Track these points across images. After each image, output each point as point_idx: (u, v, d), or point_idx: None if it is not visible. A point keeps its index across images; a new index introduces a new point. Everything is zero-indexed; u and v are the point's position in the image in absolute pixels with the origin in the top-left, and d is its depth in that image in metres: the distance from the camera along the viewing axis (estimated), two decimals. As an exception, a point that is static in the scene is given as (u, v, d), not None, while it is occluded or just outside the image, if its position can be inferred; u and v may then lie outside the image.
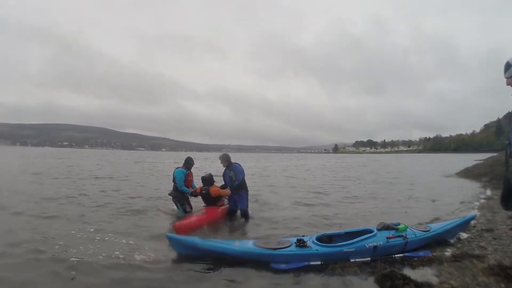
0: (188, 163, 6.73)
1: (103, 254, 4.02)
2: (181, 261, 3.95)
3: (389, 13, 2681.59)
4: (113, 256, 4.01)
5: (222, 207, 6.49)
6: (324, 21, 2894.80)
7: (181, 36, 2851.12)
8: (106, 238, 4.77)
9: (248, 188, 6.40)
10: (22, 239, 4.58)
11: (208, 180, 6.44)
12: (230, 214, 6.40)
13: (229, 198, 6.39)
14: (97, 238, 4.76)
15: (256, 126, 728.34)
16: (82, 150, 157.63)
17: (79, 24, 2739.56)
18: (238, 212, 6.36)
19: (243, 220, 6.22)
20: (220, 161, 6.37)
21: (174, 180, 6.47)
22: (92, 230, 5.16)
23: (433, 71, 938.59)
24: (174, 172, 6.50)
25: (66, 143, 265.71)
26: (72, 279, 3.34)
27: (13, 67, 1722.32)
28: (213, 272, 3.69)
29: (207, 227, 5.70)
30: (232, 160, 6.39)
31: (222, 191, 6.40)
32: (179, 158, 40.56)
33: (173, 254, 4.12)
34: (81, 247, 4.27)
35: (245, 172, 6.30)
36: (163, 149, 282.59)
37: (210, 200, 6.37)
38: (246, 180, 6.34)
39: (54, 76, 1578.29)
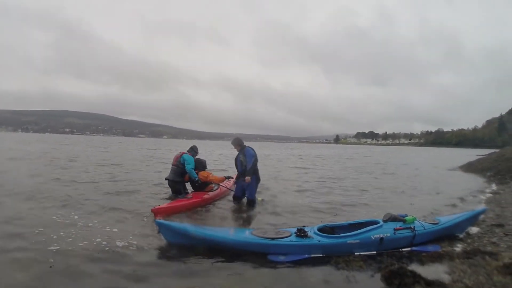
0: (194, 151, 6.66)
1: (84, 242, 3.75)
2: (169, 250, 3.67)
3: (395, 4, 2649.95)
4: (94, 243, 3.74)
5: (210, 193, 6.35)
6: (329, 11, 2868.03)
7: (184, 23, 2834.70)
8: (89, 224, 4.50)
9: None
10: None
11: (200, 164, 6.46)
12: (234, 200, 6.20)
13: (237, 183, 6.16)
14: (79, 224, 4.49)
15: (258, 115, 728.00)
16: (83, 136, 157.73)
17: (81, 8, 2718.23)
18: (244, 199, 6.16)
19: (246, 208, 5.95)
20: (232, 147, 6.23)
21: (178, 165, 6.23)
22: (76, 217, 4.86)
23: (438, 64, 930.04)
24: (182, 157, 6.24)
25: (67, 130, 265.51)
26: (50, 267, 3.08)
27: (15, 53, 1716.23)
28: (204, 263, 3.38)
29: (200, 213, 5.53)
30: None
31: (212, 177, 6.36)
32: (178, 145, 40.50)
33: (160, 243, 3.85)
34: (61, 233, 4.01)
35: (256, 155, 6.02)
36: (164, 136, 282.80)
37: (197, 184, 6.35)
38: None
39: (56, 63, 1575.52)
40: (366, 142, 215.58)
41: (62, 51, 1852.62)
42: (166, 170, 7.25)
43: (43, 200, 5.96)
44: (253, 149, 6.07)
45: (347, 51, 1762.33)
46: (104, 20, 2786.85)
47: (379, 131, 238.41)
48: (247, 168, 5.83)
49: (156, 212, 4.93)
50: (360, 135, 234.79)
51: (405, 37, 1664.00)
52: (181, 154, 6.34)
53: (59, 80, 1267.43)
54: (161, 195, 6.75)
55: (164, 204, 5.52)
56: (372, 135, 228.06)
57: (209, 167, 6.99)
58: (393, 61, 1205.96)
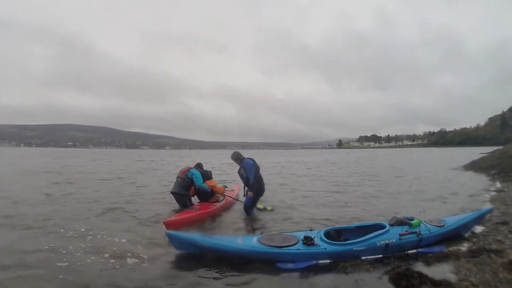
0: (199, 167, 6.81)
1: (94, 255, 3.82)
2: (178, 260, 3.75)
3: (394, 7, 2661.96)
4: (104, 256, 3.80)
5: (217, 203, 6.45)
6: (329, 17, 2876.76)
7: (185, 34, 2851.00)
8: (98, 237, 4.57)
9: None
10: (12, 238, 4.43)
11: (206, 175, 6.54)
12: (245, 211, 6.18)
13: (246, 195, 6.15)
14: (88, 237, 4.54)
15: (260, 123, 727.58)
16: (86, 149, 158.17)
17: (82, 23, 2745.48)
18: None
19: (253, 217, 6.00)
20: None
21: (184, 178, 6.31)
22: (83, 229, 4.92)
23: (438, 64, 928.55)
24: (190, 172, 6.35)
25: (70, 143, 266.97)
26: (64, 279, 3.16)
27: (17, 68, 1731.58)
28: (214, 273, 3.44)
29: (209, 223, 5.59)
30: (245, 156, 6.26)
31: (216, 188, 6.52)
32: (182, 156, 40.45)
33: (169, 253, 3.92)
34: (70, 247, 4.07)
35: (257, 165, 6.06)
36: (167, 147, 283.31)
37: (204, 195, 6.46)
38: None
39: (58, 76, 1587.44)
40: (369, 145, 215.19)
41: (64, 64, 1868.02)
42: (170, 183, 7.30)
43: (49, 213, 6.04)
44: (252, 160, 6.14)
45: (348, 56, 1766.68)
46: (105, 33, 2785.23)
47: (382, 134, 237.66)
48: (250, 181, 5.92)
49: (167, 224, 4.99)
50: (363, 139, 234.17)
51: (405, 39, 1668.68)
52: (188, 169, 6.44)
53: (61, 93, 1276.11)
54: (167, 208, 6.79)
55: (174, 216, 5.56)
56: (374, 138, 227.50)
57: (213, 177, 7.06)
58: (394, 64, 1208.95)
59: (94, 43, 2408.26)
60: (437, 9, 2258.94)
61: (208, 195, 6.48)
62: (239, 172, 6.17)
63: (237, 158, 6.23)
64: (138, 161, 29.84)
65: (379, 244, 3.73)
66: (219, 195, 6.66)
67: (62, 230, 4.83)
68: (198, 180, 6.22)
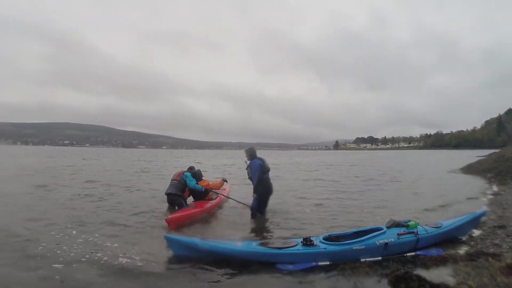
0: (192, 169, 7.12)
1: (86, 257, 3.79)
2: (177, 263, 3.71)
3: (389, 7, 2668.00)
4: (98, 258, 3.77)
5: (212, 201, 6.84)
6: (322, 16, 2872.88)
7: (179, 33, 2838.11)
8: (90, 239, 4.50)
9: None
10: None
11: (196, 175, 6.84)
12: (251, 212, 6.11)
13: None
14: (80, 240, 4.47)
15: (256, 123, 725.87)
16: (83, 148, 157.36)
17: (76, 21, 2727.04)
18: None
19: (254, 219, 5.95)
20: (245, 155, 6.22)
21: (180, 180, 6.63)
22: (74, 232, 4.85)
23: (433, 66, 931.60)
24: (184, 174, 6.72)
25: (67, 142, 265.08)
26: (61, 281, 3.15)
27: (12, 66, 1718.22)
28: (214, 275, 3.43)
29: (207, 226, 5.63)
30: (258, 155, 6.19)
31: (212, 184, 6.92)
32: (178, 155, 40.23)
33: (168, 256, 3.90)
34: (65, 247, 4.06)
35: (263, 167, 5.94)
36: (163, 147, 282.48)
37: (198, 195, 6.79)
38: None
39: (53, 75, 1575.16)
40: (365, 147, 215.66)
41: (59, 63, 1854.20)
42: (165, 185, 7.29)
43: (40, 215, 5.97)
44: (261, 160, 6.04)
45: (343, 56, 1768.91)
46: (99, 31, 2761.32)
47: (378, 135, 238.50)
48: (254, 183, 5.92)
49: (170, 221, 5.16)
50: (360, 140, 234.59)
51: (400, 40, 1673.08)
52: (182, 172, 6.83)
53: (57, 92, 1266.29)
54: (163, 209, 6.75)
55: (175, 213, 5.74)
56: (371, 140, 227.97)
57: (210, 176, 7.16)
58: (389, 65, 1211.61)
59: (87, 40, 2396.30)
60: (431, 10, 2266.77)
61: (202, 194, 6.80)
62: (246, 169, 6.19)
63: (250, 154, 6.15)
64: (137, 161, 29.69)
65: (378, 244, 3.76)
66: (213, 194, 7.04)
67: (53, 233, 4.78)
68: (192, 182, 6.60)
